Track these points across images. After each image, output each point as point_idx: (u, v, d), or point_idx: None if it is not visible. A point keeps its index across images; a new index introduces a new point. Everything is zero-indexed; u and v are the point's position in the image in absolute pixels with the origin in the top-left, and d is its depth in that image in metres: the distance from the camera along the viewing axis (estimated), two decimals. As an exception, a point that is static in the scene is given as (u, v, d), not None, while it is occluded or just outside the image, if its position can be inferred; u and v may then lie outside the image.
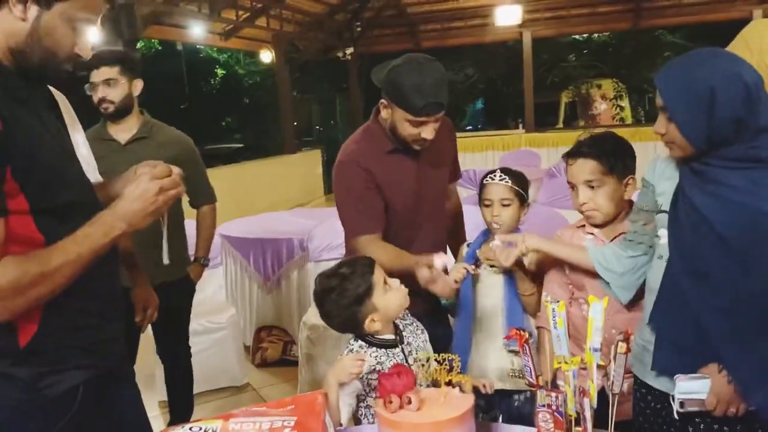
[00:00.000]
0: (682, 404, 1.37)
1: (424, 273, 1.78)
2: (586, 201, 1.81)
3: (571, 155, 1.86)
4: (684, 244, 1.43)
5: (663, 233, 1.51)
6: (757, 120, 1.33)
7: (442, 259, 1.82)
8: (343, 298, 1.58)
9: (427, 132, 1.90)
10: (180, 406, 2.85)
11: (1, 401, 1.17)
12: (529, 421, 1.91)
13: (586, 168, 1.79)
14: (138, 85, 2.47)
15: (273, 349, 3.94)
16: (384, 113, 1.97)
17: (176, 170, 1.26)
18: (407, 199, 2.07)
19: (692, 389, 1.36)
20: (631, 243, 1.64)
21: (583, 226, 1.95)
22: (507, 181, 2.02)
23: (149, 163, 1.26)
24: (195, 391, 3.38)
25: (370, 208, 2.01)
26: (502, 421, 1.72)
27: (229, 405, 3.28)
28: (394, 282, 1.63)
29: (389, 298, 1.60)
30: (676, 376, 1.38)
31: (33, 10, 1.14)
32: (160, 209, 1.23)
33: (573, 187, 1.86)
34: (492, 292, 2.04)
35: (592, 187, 1.80)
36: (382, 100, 1.95)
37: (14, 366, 1.17)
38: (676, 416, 1.38)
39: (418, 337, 1.71)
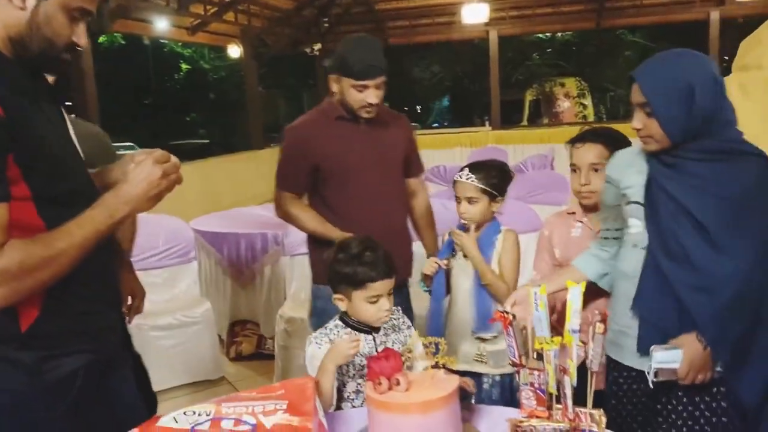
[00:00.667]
0: (656, 374, 1.46)
1: None
2: (587, 182, 1.94)
3: (578, 140, 2.00)
4: (663, 232, 1.52)
5: (634, 223, 1.60)
6: (724, 114, 1.46)
7: None
8: (340, 265, 1.63)
9: (371, 96, 2.13)
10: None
11: (4, 385, 1.19)
12: (498, 403, 1.99)
13: (592, 151, 1.93)
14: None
15: (248, 343, 3.94)
16: (334, 88, 2.20)
17: (174, 158, 1.28)
18: (356, 166, 2.22)
19: (666, 359, 1.46)
20: (607, 240, 1.74)
21: (574, 213, 2.04)
22: (473, 180, 2.05)
23: (145, 151, 1.28)
24: (170, 385, 3.39)
25: (296, 173, 2.27)
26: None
27: (205, 398, 3.25)
28: (385, 303, 1.62)
29: (364, 307, 1.62)
30: (652, 347, 1.47)
31: (32, 0, 1.16)
32: (162, 194, 1.25)
33: (575, 169, 1.98)
34: (464, 279, 2.10)
35: (596, 170, 1.92)
36: (331, 76, 2.20)
37: (16, 350, 1.18)
38: (651, 386, 1.48)
39: (400, 332, 1.73)
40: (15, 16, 1.16)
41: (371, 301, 1.61)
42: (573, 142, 2.02)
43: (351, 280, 1.61)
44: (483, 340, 2.06)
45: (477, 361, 2.08)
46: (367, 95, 2.12)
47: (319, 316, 2.26)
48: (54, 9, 1.18)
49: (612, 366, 1.69)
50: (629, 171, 1.63)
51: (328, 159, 2.20)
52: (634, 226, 1.61)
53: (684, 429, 1.56)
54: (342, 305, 1.66)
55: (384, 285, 1.61)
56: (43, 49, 1.20)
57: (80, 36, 1.25)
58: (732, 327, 1.46)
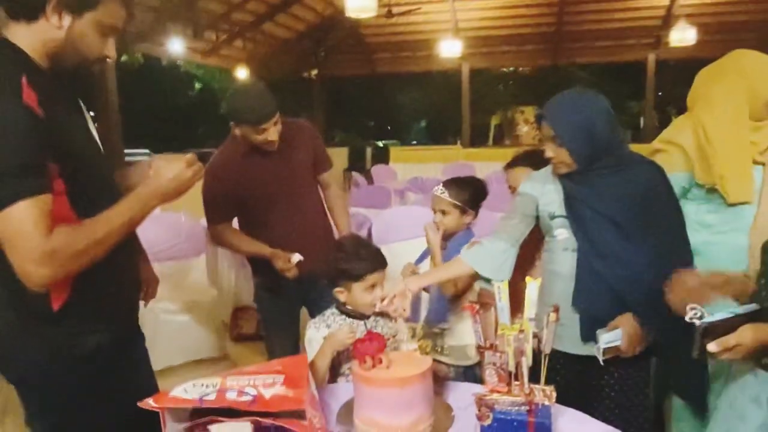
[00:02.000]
0: (604, 352, 1.51)
1: (279, 263, 2.08)
2: None
3: (510, 165, 2.03)
4: (589, 235, 1.59)
5: (560, 232, 1.66)
6: (616, 139, 1.58)
7: (297, 257, 2.08)
8: (341, 262, 1.63)
9: (271, 134, 2.05)
10: None
11: (33, 357, 1.18)
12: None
13: (523, 173, 1.93)
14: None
15: (248, 326, 3.93)
16: (237, 131, 2.09)
17: (199, 162, 1.28)
18: (275, 190, 2.17)
19: (611, 339, 1.51)
20: (502, 235, 1.71)
21: None
22: (445, 195, 2.03)
23: (164, 157, 1.27)
24: (179, 361, 3.34)
25: (223, 207, 2.20)
26: None
27: (210, 373, 3.24)
28: (378, 291, 1.63)
29: (362, 296, 1.63)
30: (598, 331, 1.53)
31: (66, 19, 1.15)
32: (186, 191, 1.26)
33: (513, 189, 1.98)
34: None
35: None
36: (231, 123, 2.09)
37: (47, 326, 1.17)
38: (602, 363, 1.54)
39: (388, 319, 1.71)
40: (52, 34, 1.15)
41: (368, 291, 1.62)
42: (507, 166, 2.05)
43: (351, 274, 1.62)
44: (435, 333, 2.05)
45: (437, 352, 2.05)
46: (268, 134, 2.04)
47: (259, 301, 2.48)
48: (87, 27, 1.18)
49: (551, 355, 1.70)
50: (545, 190, 1.69)
51: (250, 191, 2.15)
52: (561, 234, 1.66)
53: (615, 396, 1.65)
54: (342, 297, 1.67)
55: (379, 275, 1.63)
56: (77, 62, 1.20)
57: (110, 49, 1.24)
58: (658, 304, 1.50)
